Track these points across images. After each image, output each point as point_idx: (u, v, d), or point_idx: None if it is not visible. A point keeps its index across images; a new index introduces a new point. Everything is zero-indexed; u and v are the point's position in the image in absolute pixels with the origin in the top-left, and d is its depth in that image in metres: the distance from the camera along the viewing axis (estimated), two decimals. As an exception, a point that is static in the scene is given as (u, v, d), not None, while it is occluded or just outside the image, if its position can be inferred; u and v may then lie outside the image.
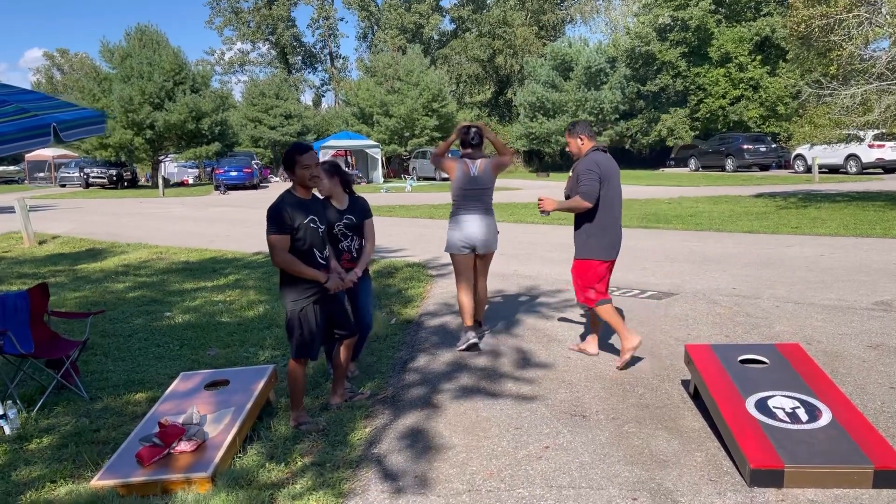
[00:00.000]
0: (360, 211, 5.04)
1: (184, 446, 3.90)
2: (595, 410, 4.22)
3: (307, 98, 59.94)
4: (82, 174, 37.89)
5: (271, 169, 43.98)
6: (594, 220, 5.00)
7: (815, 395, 3.73)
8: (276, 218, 4.08)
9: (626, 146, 42.13)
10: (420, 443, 3.91)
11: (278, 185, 36.06)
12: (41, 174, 45.53)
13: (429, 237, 12.71)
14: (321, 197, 4.82)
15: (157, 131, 35.42)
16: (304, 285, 4.16)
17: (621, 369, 4.96)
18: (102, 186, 37.09)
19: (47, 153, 46.10)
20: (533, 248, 10.87)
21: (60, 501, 3.59)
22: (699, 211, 15.69)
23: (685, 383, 4.59)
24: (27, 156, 47.32)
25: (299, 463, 3.78)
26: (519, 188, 27.15)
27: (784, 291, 7.25)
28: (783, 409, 3.60)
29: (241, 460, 3.92)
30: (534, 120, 41.49)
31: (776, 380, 3.91)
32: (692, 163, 34.60)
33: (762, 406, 3.64)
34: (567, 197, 5.16)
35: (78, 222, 18.38)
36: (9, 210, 15.87)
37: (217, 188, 31.09)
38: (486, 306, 6.16)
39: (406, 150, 39.65)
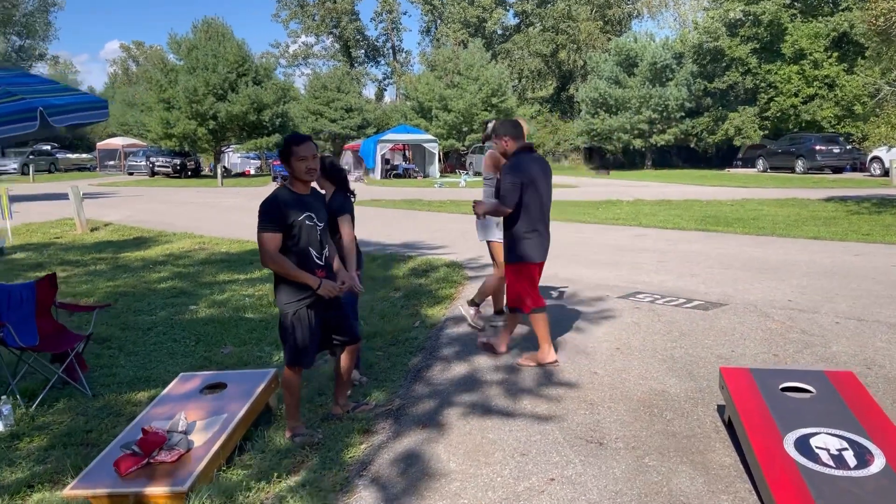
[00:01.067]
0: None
1: (164, 456, 3.64)
2: (614, 437, 3.79)
3: (369, 92, 60.22)
4: (148, 163, 38.82)
5: (330, 161, 44.15)
6: (520, 224, 4.92)
7: (868, 435, 3.22)
8: (268, 214, 3.78)
9: (692, 145, 40.84)
10: (415, 466, 3.55)
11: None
12: (111, 162, 46.81)
13: (474, 234, 12.31)
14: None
15: (219, 122, 35.96)
16: (298, 287, 3.85)
17: (519, 365, 5.07)
18: (167, 175, 37.92)
19: (117, 142, 47.52)
20: (579, 250, 10.37)
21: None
22: (763, 214, 14.86)
23: (721, 409, 4.10)
24: (98, 144, 48.91)
25: (283, 483, 3.47)
26: (574, 185, 26.48)
27: (846, 306, 6.62)
28: (827, 451, 3.11)
29: (224, 473, 3.64)
30: (595, 116, 40.55)
31: (822, 413, 3.40)
32: (760, 163, 33.19)
33: (803, 445, 3.16)
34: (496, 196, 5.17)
35: (134, 210, 18.66)
36: (89, 196, 16.20)
37: (274, 179, 31.35)
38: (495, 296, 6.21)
39: (463, 146, 39.29)
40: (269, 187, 28.83)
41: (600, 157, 45.27)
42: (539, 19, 49.81)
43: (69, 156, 50.54)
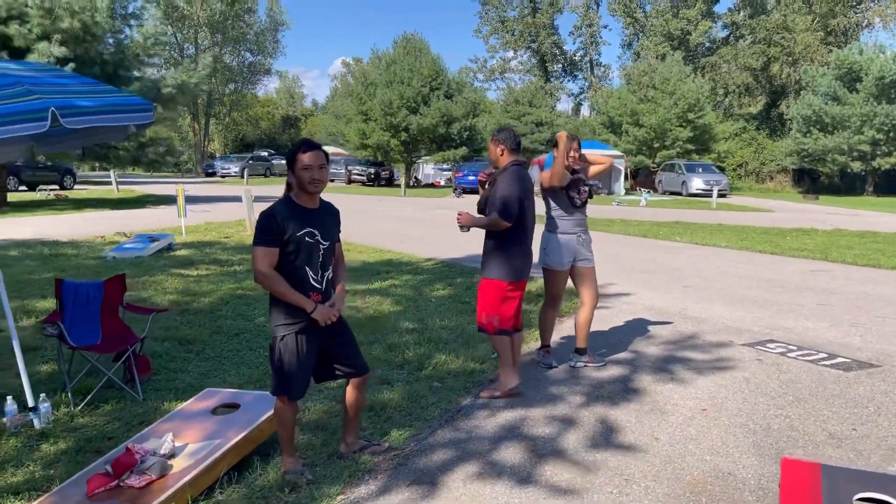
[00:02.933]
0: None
1: (133, 480, 3.43)
2: (629, 531, 3.01)
3: (566, 105, 59.57)
4: (346, 171, 41.02)
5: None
6: (506, 240, 4.69)
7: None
8: (263, 226, 3.43)
9: (925, 170, 35.84)
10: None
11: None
12: (316, 170, 49.95)
13: (626, 259, 11.38)
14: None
15: (410, 134, 37.16)
16: (292, 309, 3.47)
17: (482, 398, 4.71)
18: (362, 183, 39.86)
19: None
20: (731, 283, 9.14)
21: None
22: None
23: (793, 511, 3.15)
24: (307, 153, 52.58)
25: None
26: (770, 210, 24.08)
27: None
28: None
29: (189, 510, 3.34)
30: (808, 135, 36.91)
31: (906, 547, 2.42)
32: None
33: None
34: (481, 209, 4.84)
35: (308, 215, 19.50)
36: (260, 199, 17.19)
37: (454, 191, 31.73)
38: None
39: (654, 163, 37.39)
40: (447, 199, 29.19)
41: (811, 180, 41.19)
42: (750, 31, 46.38)
43: (283, 161, 54.92)
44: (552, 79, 58.62)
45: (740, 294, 8.37)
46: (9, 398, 4.45)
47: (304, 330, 3.51)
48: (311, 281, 3.53)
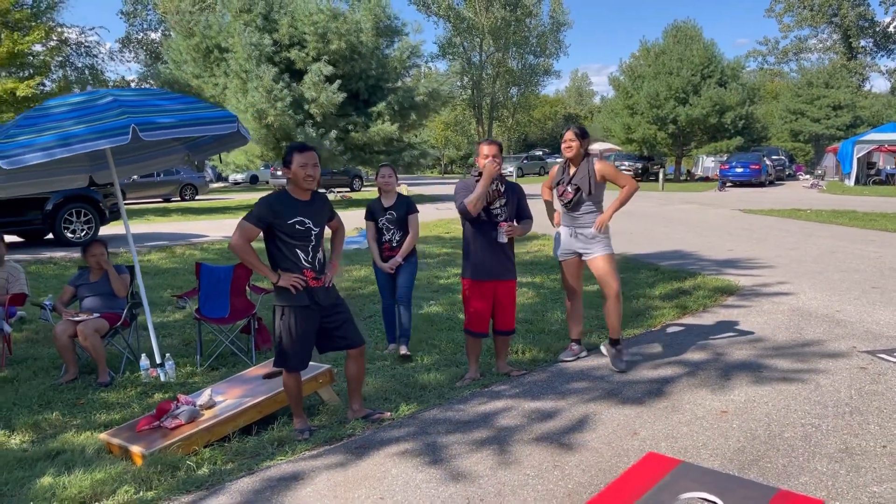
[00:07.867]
0: (405, 207, 5.79)
1: (168, 423, 4.25)
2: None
3: (881, 85, 52.15)
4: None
5: (806, 166, 39.92)
6: None
7: None
8: (259, 207, 4.00)
9: None
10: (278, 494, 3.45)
11: (794, 185, 32.66)
12: (593, 165, 50.03)
13: (838, 257, 10.10)
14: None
15: (679, 126, 35.65)
16: (293, 292, 4.02)
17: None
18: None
19: (595, 147, 50.69)
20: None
21: (69, 441, 4.28)
22: None
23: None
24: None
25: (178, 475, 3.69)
26: None
27: None
28: None
29: (204, 449, 4.04)
30: None
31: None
32: None
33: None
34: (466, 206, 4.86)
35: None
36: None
37: (719, 183, 29.86)
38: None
39: None
40: (708, 193, 27.53)
41: None
42: None
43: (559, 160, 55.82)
44: (859, 56, 51.77)
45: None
46: (143, 355, 5.61)
47: (304, 309, 4.03)
48: (303, 261, 4.05)
